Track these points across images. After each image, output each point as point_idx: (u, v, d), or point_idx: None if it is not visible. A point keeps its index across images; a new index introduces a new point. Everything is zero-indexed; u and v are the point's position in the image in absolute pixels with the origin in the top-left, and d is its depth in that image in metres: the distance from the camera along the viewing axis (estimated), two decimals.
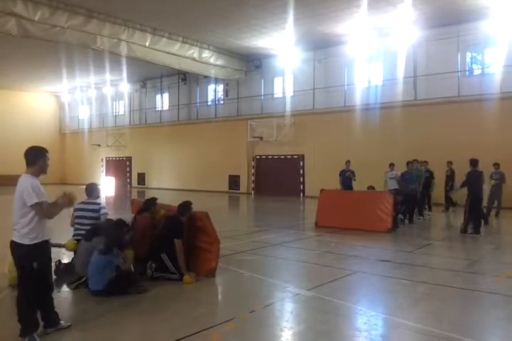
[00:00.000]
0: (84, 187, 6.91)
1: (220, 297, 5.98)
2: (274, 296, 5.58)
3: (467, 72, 17.87)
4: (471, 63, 18.12)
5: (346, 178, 14.59)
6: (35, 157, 4.06)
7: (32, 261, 3.94)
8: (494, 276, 6.67)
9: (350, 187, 14.42)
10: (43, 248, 4.06)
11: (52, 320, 4.27)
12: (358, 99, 19.89)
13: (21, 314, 4.02)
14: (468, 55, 17.79)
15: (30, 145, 4.16)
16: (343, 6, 15.68)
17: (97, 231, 5.99)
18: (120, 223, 6.06)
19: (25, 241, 3.94)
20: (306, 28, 18.23)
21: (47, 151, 4.17)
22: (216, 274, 6.33)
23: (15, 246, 3.99)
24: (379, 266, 7.22)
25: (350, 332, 4.40)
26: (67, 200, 4.03)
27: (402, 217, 11.67)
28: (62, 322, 4.34)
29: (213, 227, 6.47)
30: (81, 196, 7.05)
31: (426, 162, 14.40)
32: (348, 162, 14.98)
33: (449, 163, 14.34)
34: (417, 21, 17.01)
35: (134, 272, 5.99)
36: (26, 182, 3.93)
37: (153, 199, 7.05)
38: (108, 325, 4.50)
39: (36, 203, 3.87)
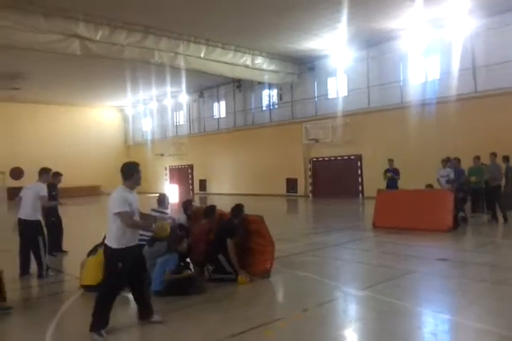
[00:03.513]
0: (157, 195, 7.51)
1: (274, 296, 6.15)
2: (327, 296, 5.65)
3: None
4: None
5: (390, 178, 14.10)
6: (130, 172, 4.62)
7: (117, 262, 4.45)
8: None
9: (395, 187, 13.85)
10: (131, 251, 4.54)
11: (144, 313, 4.78)
12: (414, 94, 19.34)
13: (96, 309, 4.47)
14: None
15: (125, 162, 4.76)
16: (396, 1, 15.39)
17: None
18: (180, 225, 6.62)
19: (113, 245, 4.47)
20: (358, 26, 18.03)
21: (139, 165, 4.75)
22: (271, 275, 6.51)
23: (105, 248, 4.58)
24: (437, 265, 7.07)
25: (403, 330, 4.39)
26: (156, 228, 4.99)
27: (464, 215, 11.23)
28: (155, 316, 4.79)
29: (268, 230, 6.68)
30: (152, 204, 7.66)
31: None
32: (390, 160, 14.41)
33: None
34: (473, 10, 16.31)
35: (193, 273, 6.33)
36: (117, 193, 4.51)
37: (213, 207, 7.39)
38: (170, 323, 4.79)
39: (118, 212, 4.39)
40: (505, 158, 12.47)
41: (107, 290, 4.54)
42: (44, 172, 7.43)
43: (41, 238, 7.06)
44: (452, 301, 5.32)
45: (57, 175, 8.78)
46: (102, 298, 4.50)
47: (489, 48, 17.01)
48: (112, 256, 4.51)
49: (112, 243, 4.47)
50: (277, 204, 21.18)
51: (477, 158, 12.33)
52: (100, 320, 4.42)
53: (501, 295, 5.43)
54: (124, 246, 4.47)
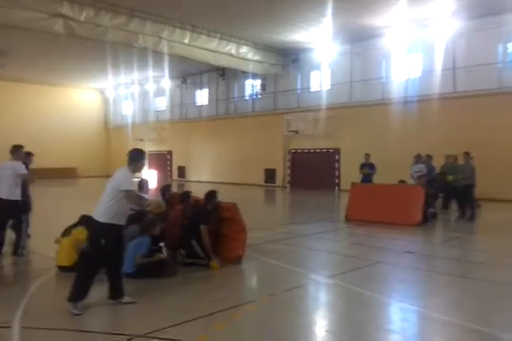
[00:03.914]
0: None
1: (244, 281, 6.34)
2: (295, 282, 5.83)
3: (508, 64, 17.27)
4: None
5: (367, 173, 14.41)
6: (136, 157, 4.96)
7: (100, 237, 4.62)
8: None
9: (370, 181, 14.19)
10: (115, 230, 4.72)
11: (116, 293, 4.89)
12: (396, 91, 19.67)
13: (76, 281, 4.63)
14: (510, 46, 17.17)
15: (134, 148, 5.13)
16: None
17: (135, 219, 6.47)
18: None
19: (102, 220, 4.62)
20: (344, 22, 18.15)
21: (145, 154, 5.12)
22: (243, 262, 6.67)
23: (92, 222, 4.73)
24: (403, 257, 7.35)
25: (366, 317, 4.57)
26: (151, 204, 5.34)
27: (434, 211, 11.60)
28: (126, 297, 4.92)
29: (241, 217, 6.83)
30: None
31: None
32: (367, 155, 14.77)
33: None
34: (457, 12, 16.63)
35: (165, 257, 6.45)
36: (124, 172, 4.83)
37: (188, 193, 7.52)
38: (141, 304, 4.90)
39: (129, 190, 4.69)
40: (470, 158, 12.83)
41: (88, 263, 4.71)
42: (16, 149, 7.15)
43: (24, 216, 7.07)
44: (417, 292, 5.56)
45: (29, 154, 8.29)
46: (83, 271, 4.69)
47: (470, 50, 17.38)
48: (97, 231, 4.70)
49: (101, 217, 4.63)
50: (255, 194, 21.37)
51: (454, 157, 12.64)
52: (78, 292, 4.59)
53: (464, 288, 5.69)
54: (110, 223, 4.63)
